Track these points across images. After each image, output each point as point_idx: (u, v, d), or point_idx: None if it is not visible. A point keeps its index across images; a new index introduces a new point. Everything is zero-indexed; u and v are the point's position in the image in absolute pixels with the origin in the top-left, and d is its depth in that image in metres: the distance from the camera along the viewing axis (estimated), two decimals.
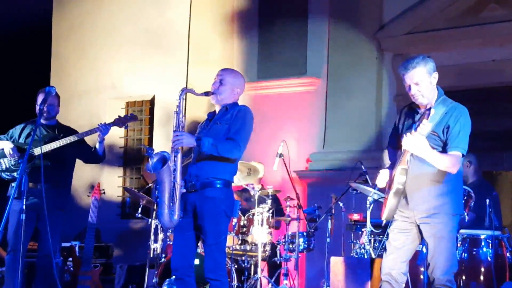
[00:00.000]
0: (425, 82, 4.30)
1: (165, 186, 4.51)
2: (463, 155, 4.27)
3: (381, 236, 6.16)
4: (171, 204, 4.50)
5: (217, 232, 4.60)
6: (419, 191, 4.31)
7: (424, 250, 4.59)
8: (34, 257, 6.05)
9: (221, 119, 4.72)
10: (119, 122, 6.01)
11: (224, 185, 4.63)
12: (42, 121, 5.94)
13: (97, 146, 6.05)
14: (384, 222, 4.50)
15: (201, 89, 4.88)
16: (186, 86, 9.04)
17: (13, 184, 5.81)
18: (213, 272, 4.59)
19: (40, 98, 5.81)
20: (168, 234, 6.73)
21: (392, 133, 4.67)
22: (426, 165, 4.25)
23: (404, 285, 4.43)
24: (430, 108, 4.11)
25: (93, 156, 6.13)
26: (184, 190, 4.60)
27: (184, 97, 4.73)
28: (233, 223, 6.65)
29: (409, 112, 4.53)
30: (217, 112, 4.82)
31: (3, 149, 5.87)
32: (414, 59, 4.32)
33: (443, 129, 4.28)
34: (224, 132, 4.64)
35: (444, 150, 4.26)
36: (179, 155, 4.55)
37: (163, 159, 4.53)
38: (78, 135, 5.91)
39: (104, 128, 5.92)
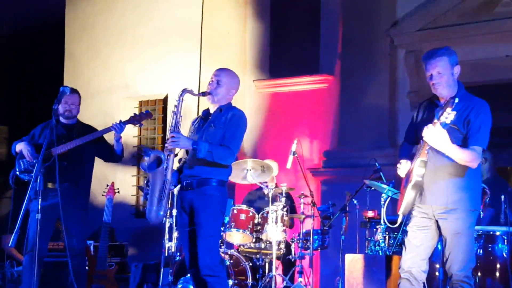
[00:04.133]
0: (447, 72, 4.32)
1: (156, 184, 4.61)
2: (483, 150, 4.26)
3: (396, 233, 6.15)
4: (160, 201, 4.60)
5: (212, 226, 4.67)
6: (437, 184, 4.29)
7: (440, 246, 4.56)
8: (55, 256, 6.02)
9: (215, 122, 4.77)
10: (134, 120, 6.02)
11: (219, 184, 4.72)
12: (62, 120, 6.02)
13: (115, 145, 6.08)
14: (401, 216, 4.46)
15: None
16: (199, 84, 9.06)
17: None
18: (210, 269, 4.59)
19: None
20: None
21: (409, 127, 4.64)
22: (445, 158, 4.22)
23: (423, 283, 4.41)
24: (454, 97, 4.09)
25: (112, 155, 6.15)
26: (173, 187, 4.75)
27: (183, 98, 4.85)
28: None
29: (429, 105, 4.51)
30: (211, 111, 4.88)
31: (21, 151, 5.89)
32: (439, 49, 4.38)
33: (463, 123, 4.27)
34: (219, 137, 4.70)
35: (464, 144, 4.24)
36: (172, 155, 4.67)
37: (159, 160, 4.63)
38: (92, 134, 5.92)
39: (119, 127, 5.93)
